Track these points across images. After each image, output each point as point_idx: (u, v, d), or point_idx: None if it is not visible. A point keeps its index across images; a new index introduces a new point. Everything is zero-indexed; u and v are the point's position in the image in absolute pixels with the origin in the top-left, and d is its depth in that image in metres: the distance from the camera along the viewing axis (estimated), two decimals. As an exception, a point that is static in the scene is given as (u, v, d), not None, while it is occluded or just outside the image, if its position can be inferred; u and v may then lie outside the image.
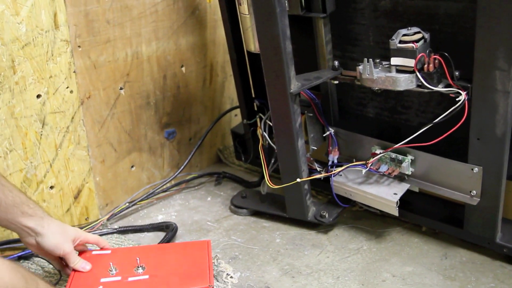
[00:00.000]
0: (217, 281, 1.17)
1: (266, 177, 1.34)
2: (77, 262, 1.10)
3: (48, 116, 1.29)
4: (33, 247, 1.07)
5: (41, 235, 1.05)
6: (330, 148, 1.35)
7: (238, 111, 1.69)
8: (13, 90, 1.21)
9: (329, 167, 1.34)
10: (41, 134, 1.29)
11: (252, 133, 1.53)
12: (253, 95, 1.52)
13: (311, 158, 1.40)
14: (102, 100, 1.40)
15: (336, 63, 1.24)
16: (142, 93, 1.49)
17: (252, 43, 1.31)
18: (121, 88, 1.43)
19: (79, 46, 1.32)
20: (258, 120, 1.50)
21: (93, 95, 1.37)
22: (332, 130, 1.34)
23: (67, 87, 1.31)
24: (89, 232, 1.30)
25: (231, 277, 1.18)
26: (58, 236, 1.07)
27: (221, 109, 1.73)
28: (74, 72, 1.32)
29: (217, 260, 1.23)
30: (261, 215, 1.42)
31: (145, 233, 1.40)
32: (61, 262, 1.12)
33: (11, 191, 1.04)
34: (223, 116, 1.67)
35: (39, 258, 1.26)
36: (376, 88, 1.16)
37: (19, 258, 1.26)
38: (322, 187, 1.45)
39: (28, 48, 1.22)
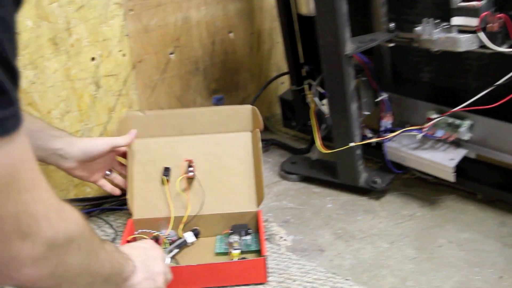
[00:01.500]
0: (270, 243, 1.17)
1: (319, 142, 1.33)
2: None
3: (102, 79, 1.30)
4: (73, 167, 1.08)
5: (72, 143, 1.08)
6: (383, 113, 1.32)
7: (284, 78, 1.67)
8: (69, 52, 1.22)
9: (382, 132, 1.32)
10: (95, 97, 1.30)
11: (301, 99, 1.52)
12: (302, 61, 1.50)
13: (363, 124, 1.38)
14: (153, 64, 1.40)
15: (392, 25, 1.21)
16: (191, 58, 1.49)
17: (304, 5, 1.29)
18: (171, 53, 1.43)
19: (131, 10, 1.32)
20: (306, 86, 1.48)
21: (144, 59, 1.38)
22: (385, 95, 1.31)
23: (120, 51, 1.32)
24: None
25: (284, 239, 1.18)
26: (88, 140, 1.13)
27: (268, 76, 1.72)
28: (127, 35, 1.32)
29: (269, 223, 1.23)
30: (311, 181, 1.42)
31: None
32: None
33: (34, 120, 1.05)
34: (270, 82, 1.66)
35: (95, 218, 1.28)
36: (435, 50, 1.13)
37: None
38: (372, 154, 1.43)
39: (83, 10, 1.22)
